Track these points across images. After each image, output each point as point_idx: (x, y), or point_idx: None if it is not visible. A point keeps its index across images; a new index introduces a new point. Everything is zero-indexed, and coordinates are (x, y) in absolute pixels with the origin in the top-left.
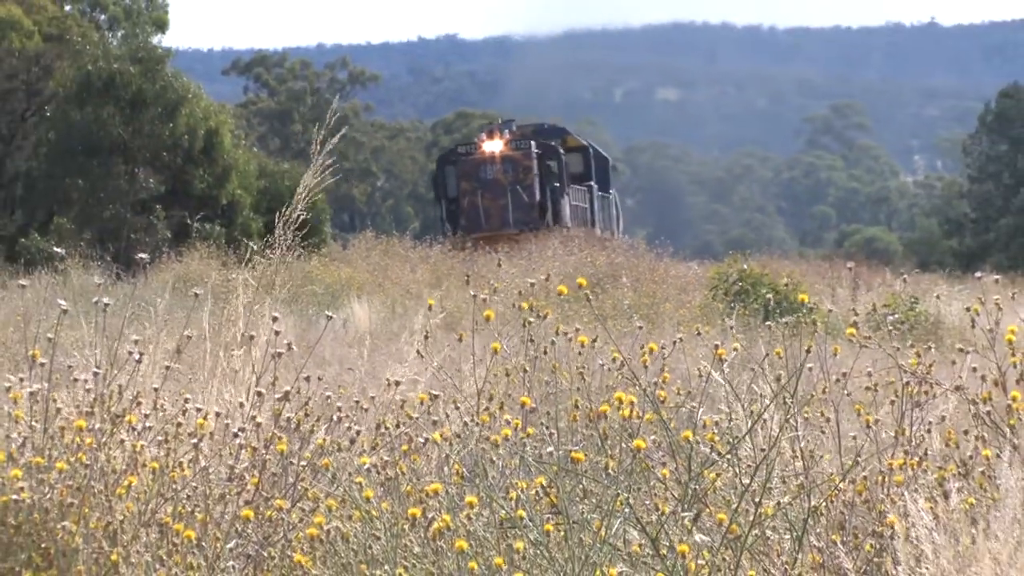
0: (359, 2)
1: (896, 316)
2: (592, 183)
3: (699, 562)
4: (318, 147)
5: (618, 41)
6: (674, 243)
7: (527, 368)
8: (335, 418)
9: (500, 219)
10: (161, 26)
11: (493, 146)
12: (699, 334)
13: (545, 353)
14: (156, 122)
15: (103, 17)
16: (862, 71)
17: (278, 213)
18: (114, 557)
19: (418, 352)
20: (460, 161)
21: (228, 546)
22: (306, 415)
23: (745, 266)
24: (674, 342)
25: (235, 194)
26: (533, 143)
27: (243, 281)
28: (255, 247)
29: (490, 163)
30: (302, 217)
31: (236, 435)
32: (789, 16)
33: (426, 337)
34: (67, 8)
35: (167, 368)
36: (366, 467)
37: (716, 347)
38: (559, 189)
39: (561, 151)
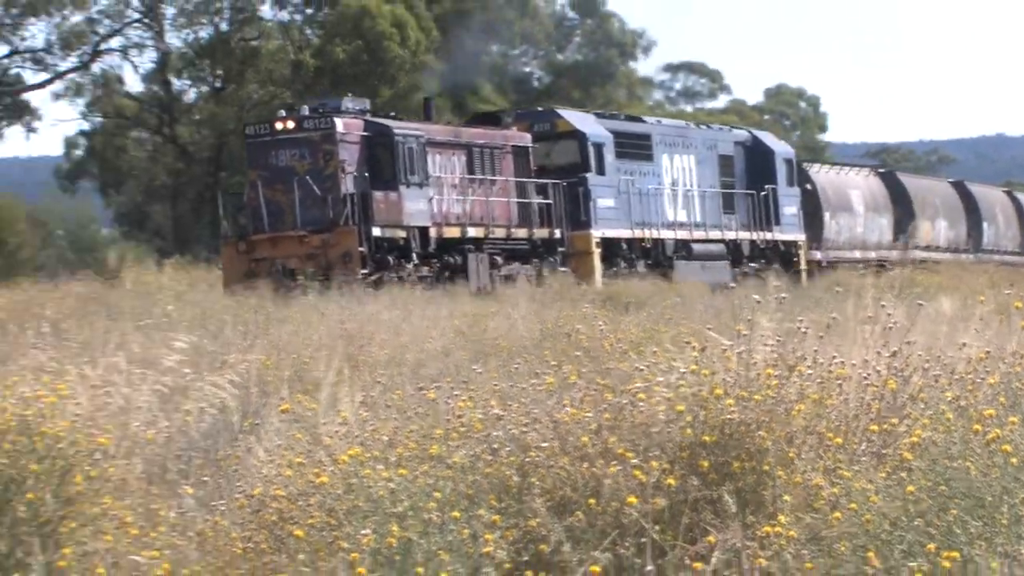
0: (946, 104)
1: None
2: (597, 174)
3: None
4: None
5: None
6: None
7: None
8: (924, 368)
9: (291, 217)
10: (822, 128)
11: (286, 125)
12: None
13: None
14: None
15: (787, 123)
16: None
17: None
18: (791, 455)
19: (975, 329)
20: (247, 144)
21: (861, 447)
22: (907, 365)
23: None
24: None
25: None
26: (341, 120)
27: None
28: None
29: (281, 147)
30: None
31: (865, 379)
32: None
33: (980, 319)
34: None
35: (821, 337)
36: (948, 399)
37: None
38: (377, 182)
39: (400, 135)
